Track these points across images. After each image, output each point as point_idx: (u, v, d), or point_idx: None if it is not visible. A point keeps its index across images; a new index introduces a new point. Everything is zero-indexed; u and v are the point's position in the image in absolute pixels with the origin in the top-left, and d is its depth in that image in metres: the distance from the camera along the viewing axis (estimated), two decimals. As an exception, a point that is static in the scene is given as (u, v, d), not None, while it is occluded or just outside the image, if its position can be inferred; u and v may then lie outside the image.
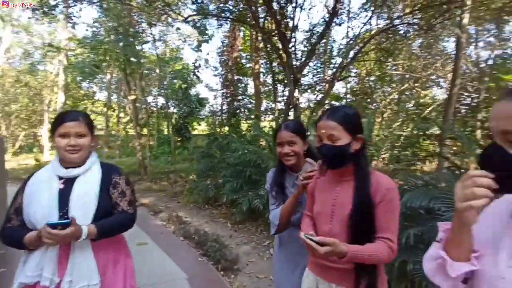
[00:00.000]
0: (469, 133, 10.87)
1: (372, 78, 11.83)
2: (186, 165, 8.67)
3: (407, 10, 8.11)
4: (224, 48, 15.26)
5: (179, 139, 15.62)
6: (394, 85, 11.99)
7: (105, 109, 17.47)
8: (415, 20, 8.48)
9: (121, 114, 17.62)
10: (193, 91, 16.47)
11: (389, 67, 10.57)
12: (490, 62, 10.62)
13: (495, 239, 0.69)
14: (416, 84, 11.32)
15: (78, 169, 1.24)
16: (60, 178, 1.23)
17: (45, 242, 1.06)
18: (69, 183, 1.22)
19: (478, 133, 10.42)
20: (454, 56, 7.94)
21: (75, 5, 6.00)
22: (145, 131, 12.90)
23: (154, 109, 17.01)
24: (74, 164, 1.24)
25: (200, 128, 19.64)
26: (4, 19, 12.54)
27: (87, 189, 1.22)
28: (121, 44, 6.86)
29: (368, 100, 12.06)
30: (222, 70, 15.79)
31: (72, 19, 6.87)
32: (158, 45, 12.18)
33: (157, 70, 13.52)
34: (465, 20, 6.87)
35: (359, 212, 1.03)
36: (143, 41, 7.80)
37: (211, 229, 4.17)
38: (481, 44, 11.32)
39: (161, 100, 17.28)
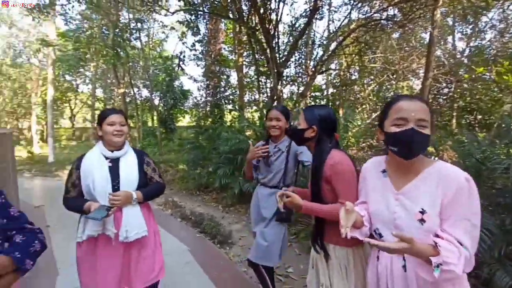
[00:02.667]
0: (446, 122, 11.66)
1: (352, 71, 12.38)
2: (174, 156, 8.94)
3: (385, 5, 8.59)
4: (206, 40, 15.37)
5: (163, 131, 15.76)
6: (372, 77, 12.57)
7: (89, 102, 17.28)
8: (393, 14, 9.00)
9: (108, 107, 17.64)
10: (176, 83, 16.56)
11: (368, 60, 11.11)
12: (467, 53, 11.30)
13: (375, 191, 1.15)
14: (394, 76, 11.94)
15: (120, 151, 1.63)
16: (107, 158, 1.60)
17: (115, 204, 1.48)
18: (114, 162, 1.60)
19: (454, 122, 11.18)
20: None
21: (68, 3, 6.10)
22: (132, 123, 12.98)
23: (138, 101, 17.03)
24: (117, 148, 1.61)
25: (185, 120, 19.76)
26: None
27: (130, 166, 1.62)
28: (109, 37, 6.99)
29: (348, 91, 12.59)
30: (205, 62, 15.92)
31: (65, 16, 6.95)
32: (141, 37, 12.23)
33: (141, 63, 13.53)
34: (438, 16, 7.34)
35: (312, 182, 1.39)
36: (131, 34, 7.92)
37: (205, 211, 4.56)
38: (458, 35, 11.99)
39: (144, 92, 17.28)
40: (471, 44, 11.24)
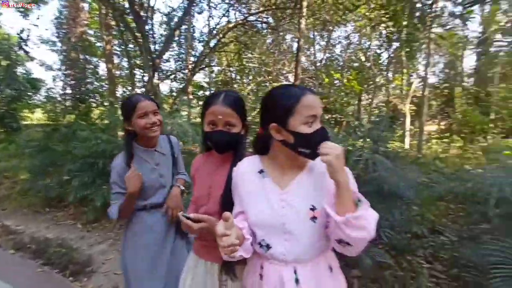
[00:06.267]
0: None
1: (232, 69, 12.64)
2: (13, 163, 6.88)
3: (261, 9, 9.03)
4: (64, 20, 12.76)
5: (1, 130, 12.18)
6: (251, 77, 13.19)
7: None
8: (267, 19, 9.58)
9: None
10: (20, 70, 13.07)
11: (246, 60, 11.54)
12: (324, 62, 13.24)
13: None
14: (270, 77, 12.82)
15: None
16: None
17: None
18: None
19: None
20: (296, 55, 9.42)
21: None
22: None
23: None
24: None
25: (36, 116, 15.93)
26: None
27: None
28: None
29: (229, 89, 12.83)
30: (62, 47, 13.22)
31: None
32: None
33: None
34: (303, 26, 8.15)
35: (230, 190, 1.06)
36: None
37: (55, 234, 3.54)
38: (317, 46, 13.88)
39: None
40: (327, 55, 13.28)
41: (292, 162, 0.98)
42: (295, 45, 11.94)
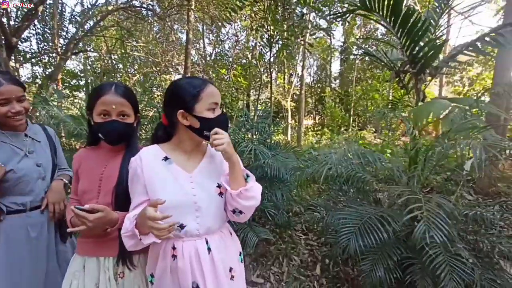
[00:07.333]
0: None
1: (114, 57, 11.38)
2: None
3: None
4: None
5: None
6: (136, 67, 12.21)
7: None
8: (153, 5, 8.98)
9: None
10: None
11: (130, 48, 10.62)
12: (213, 56, 13.39)
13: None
14: (158, 68, 12.12)
15: None
16: None
17: None
18: None
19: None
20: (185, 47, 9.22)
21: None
22: None
23: None
24: None
25: None
26: None
27: None
28: None
29: (111, 79, 11.55)
30: None
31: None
32: None
33: None
34: (192, 18, 8.06)
35: (124, 181, 1.06)
36: None
37: None
38: (206, 40, 13.92)
39: None
40: (216, 50, 13.54)
41: (196, 147, 1.08)
42: (184, 37, 11.71)
